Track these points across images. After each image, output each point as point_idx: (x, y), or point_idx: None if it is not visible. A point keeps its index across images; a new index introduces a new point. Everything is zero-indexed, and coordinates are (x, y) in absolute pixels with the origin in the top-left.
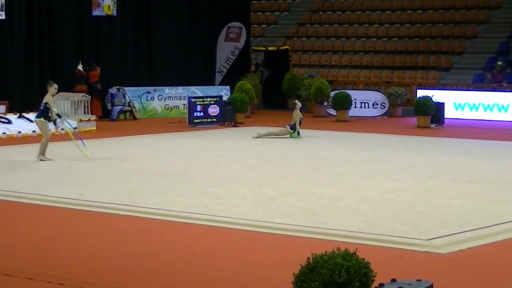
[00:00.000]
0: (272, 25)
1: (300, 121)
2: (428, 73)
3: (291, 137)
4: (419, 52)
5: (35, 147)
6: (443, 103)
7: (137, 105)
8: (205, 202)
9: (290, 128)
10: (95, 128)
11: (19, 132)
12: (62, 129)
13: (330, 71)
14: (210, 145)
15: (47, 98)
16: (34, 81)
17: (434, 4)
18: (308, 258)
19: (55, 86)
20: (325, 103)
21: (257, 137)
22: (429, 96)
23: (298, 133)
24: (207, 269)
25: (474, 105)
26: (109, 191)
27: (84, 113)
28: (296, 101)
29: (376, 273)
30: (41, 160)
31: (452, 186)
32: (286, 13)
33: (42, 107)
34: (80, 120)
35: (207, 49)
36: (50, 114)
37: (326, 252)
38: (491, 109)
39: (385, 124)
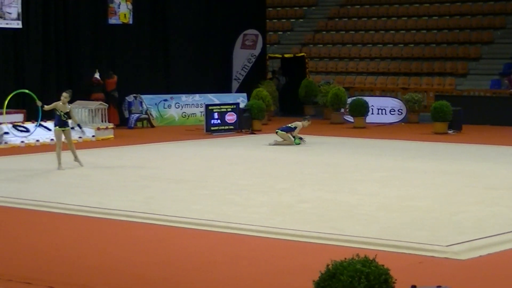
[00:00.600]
0: (288, 32)
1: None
2: (445, 79)
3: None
4: (435, 58)
5: (53, 155)
6: (461, 109)
7: (154, 113)
8: (223, 209)
9: (281, 130)
10: (112, 136)
11: (37, 140)
12: (80, 137)
13: (346, 77)
14: (227, 152)
15: (53, 106)
16: (51, 89)
17: (450, 10)
18: (328, 265)
19: (64, 94)
20: (342, 110)
21: (274, 144)
22: (446, 102)
23: (301, 138)
24: (225, 276)
25: (490, 110)
26: (127, 199)
27: (102, 121)
28: (309, 117)
29: (396, 280)
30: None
31: (470, 192)
32: (302, 20)
33: (55, 115)
34: (98, 128)
35: (224, 57)
36: (63, 118)
37: (345, 258)
38: (508, 115)
39: (402, 131)
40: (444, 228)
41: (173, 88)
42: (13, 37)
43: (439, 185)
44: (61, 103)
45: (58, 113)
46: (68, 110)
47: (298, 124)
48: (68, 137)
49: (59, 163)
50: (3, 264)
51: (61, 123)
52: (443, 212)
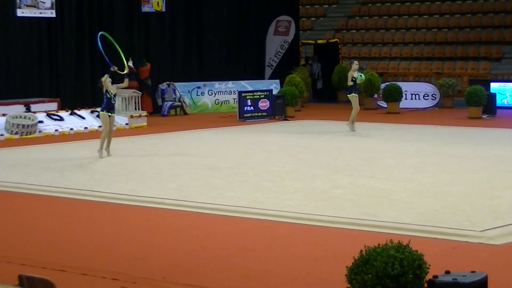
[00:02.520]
0: (321, 18)
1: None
2: (479, 63)
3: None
4: (469, 42)
5: (87, 144)
6: (495, 93)
7: (187, 100)
8: (257, 196)
9: (348, 92)
10: (146, 123)
11: (71, 129)
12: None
13: (380, 63)
14: (261, 139)
15: (105, 86)
16: (85, 78)
17: None
18: (361, 251)
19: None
20: (376, 95)
21: (351, 130)
22: (480, 86)
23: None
24: (259, 263)
25: None
26: (161, 187)
27: (135, 109)
28: (353, 60)
29: (429, 265)
30: (100, 157)
31: (505, 177)
32: (335, 5)
33: (104, 98)
34: (131, 116)
35: (257, 43)
36: (113, 101)
37: (379, 244)
38: None
39: (437, 116)
40: (479, 213)
41: (206, 75)
42: (47, 26)
43: (473, 170)
44: (110, 84)
45: (108, 95)
46: (115, 92)
47: (348, 76)
48: (111, 124)
49: (101, 148)
50: (37, 251)
51: (109, 107)
52: (478, 197)
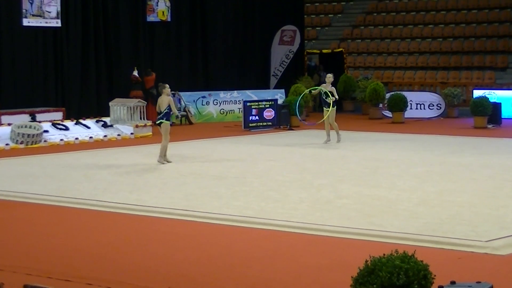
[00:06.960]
0: (326, 28)
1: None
2: (485, 73)
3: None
4: (475, 52)
5: (92, 153)
6: (500, 103)
7: (192, 109)
8: (262, 205)
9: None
10: (151, 133)
11: (76, 138)
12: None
13: (385, 72)
14: (266, 148)
15: (168, 100)
16: (91, 87)
17: (489, 3)
18: (366, 261)
19: (167, 86)
20: (381, 105)
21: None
22: (485, 96)
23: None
24: (265, 272)
25: None
26: (166, 196)
27: (140, 118)
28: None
29: (435, 275)
30: (161, 163)
31: (511, 186)
32: (340, 15)
33: (166, 110)
34: (136, 126)
35: (262, 53)
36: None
37: (384, 254)
38: None
39: (442, 125)
40: (484, 223)
41: (212, 84)
42: (53, 36)
43: (479, 179)
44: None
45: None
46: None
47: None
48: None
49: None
50: (42, 261)
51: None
52: (483, 207)
